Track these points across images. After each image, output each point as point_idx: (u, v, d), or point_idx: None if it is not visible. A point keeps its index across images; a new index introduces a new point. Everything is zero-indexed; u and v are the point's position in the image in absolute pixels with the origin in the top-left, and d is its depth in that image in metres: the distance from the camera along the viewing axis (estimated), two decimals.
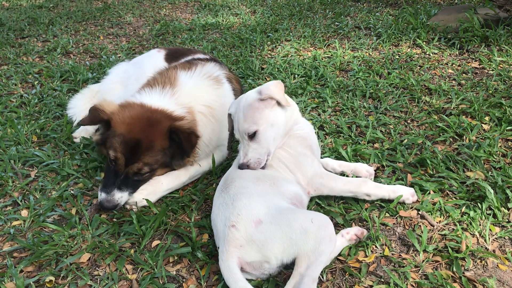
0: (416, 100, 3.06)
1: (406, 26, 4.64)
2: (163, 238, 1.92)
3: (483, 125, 2.65)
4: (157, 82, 2.28)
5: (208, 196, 2.16)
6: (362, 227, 1.87)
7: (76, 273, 1.72)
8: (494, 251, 1.74)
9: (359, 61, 3.85)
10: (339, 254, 1.73)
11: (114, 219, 2.03)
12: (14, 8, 7.05)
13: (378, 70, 3.57)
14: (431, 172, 2.22)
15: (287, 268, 1.60)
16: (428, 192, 2.08)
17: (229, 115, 2.07)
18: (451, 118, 2.72)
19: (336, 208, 2.00)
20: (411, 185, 2.11)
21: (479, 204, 1.96)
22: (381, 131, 2.69)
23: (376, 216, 1.93)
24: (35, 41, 5.03)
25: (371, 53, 4.05)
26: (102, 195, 1.99)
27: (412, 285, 1.60)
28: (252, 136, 1.89)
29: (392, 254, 1.75)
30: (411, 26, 4.59)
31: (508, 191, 1.99)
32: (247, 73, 3.68)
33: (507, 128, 2.56)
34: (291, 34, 4.83)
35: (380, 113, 2.89)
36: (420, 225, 1.88)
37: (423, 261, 1.70)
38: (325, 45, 4.38)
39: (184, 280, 1.69)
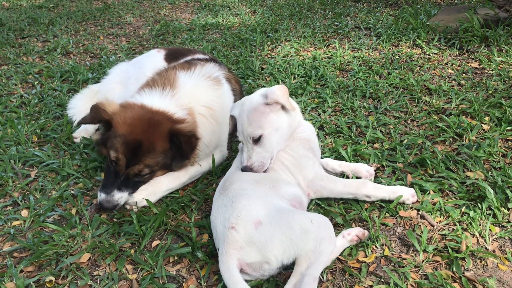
0: (416, 100, 3.06)
1: (406, 26, 4.65)
2: (163, 238, 1.92)
3: (483, 125, 2.65)
4: (156, 82, 2.28)
5: (208, 196, 2.16)
6: (362, 227, 1.88)
7: (76, 273, 1.72)
8: (494, 251, 1.74)
9: (359, 61, 3.85)
10: (340, 254, 1.73)
11: (114, 219, 2.03)
12: (14, 8, 7.05)
13: (378, 70, 3.57)
14: (431, 172, 2.22)
15: (287, 269, 1.60)
16: (428, 192, 2.08)
17: (231, 116, 2.06)
18: (451, 118, 2.72)
19: (336, 208, 2.00)
20: (411, 185, 2.11)
21: (479, 204, 1.96)
22: (381, 131, 2.69)
23: (376, 216, 1.93)
24: (35, 41, 5.03)
25: (371, 53, 4.06)
26: (101, 196, 1.99)
27: (412, 285, 1.60)
28: (257, 140, 1.89)
29: (392, 254, 1.75)
30: (411, 26, 4.59)
31: (508, 191, 1.99)
32: (247, 73, 3.68)
33: (507, 128, 2.56)
34: (291, 34, 4.83)
35: (380, 113, 2.89)
36: (420, 225, 1.88)
37: (423, 261, 1.70)
38: (325, 45, 4.38)
39: (184, 280, 1.69)
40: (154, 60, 2.92)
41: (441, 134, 2.59)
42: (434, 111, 2.88)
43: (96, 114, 2.05)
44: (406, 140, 2.52)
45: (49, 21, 5.89)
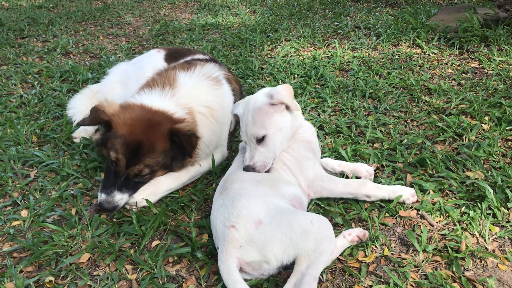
0: (416, 100, 3.06)
1: (406, 26, 4.64)
2: (163, 238, 1.92)
3: (482, 125, 2.65)
4: (156, 83, 2.28)
5: (208, 196, 2.16)
6: (362, 227, 1.88)
7: (76, 273, 1.72)
8: (493, 251, 1.74)
9: (359, 61, 3.85)
10: (340, 254, 1.73)
11: (114, 219, 2.03)
12: (14, 8, 7.05)
13: (377, 70, 3.57)
14: (431, 172, 2.22)
15: (286, 269, 1.60)
16: (427, 192, 2.08)
17: (234, 115, 2.06)
18: (450, 118, 2.72)
19: (336, 208, 2.00)
20: (411, 185, 2.11)
21: (478, 204, 1.96)
22: (380, 131, 2.69)
23: (376, 216, 1.93)
24: (35, 41, 5.03)
25: (370, 53, 4.06)
26: (102, 196, 1.99)
27: (411, 285, 1.60)
28: (260, 140, 1.89)
29: (392, 254, 1.75)
30: (410, 26, 4.59)
31: (507, 191, 1.99)
32: (247, 73, 3.68)
33: (507, 128, 2.56)
34: (290, 34, 4.83)
35: (379, 113, 2.89)
36: (419, 225, 1.88)
37: (423, 261, 1.70)
38: (324, 45, 4.38)
39: (184, 280, 1.69)
40: (154, 60, 2.91)
41: (441, 134, 2.59)
42: (434, 111, 2.88)
43: (96, 116, 2.05)
44: (406, 140, 2.52)
45: (49, 21, 5.89)
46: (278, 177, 1.90)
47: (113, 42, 5.00)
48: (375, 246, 1.78)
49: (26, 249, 1.87)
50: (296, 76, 3.59)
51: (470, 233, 1.83)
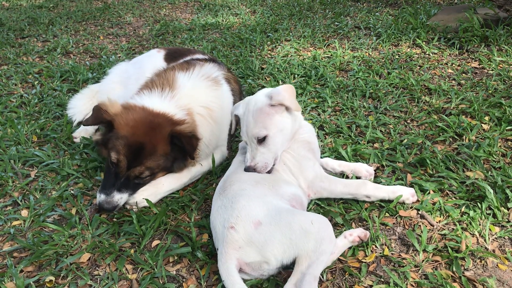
0: (416, 100, 3.06)
1: (406, 26, 4.65)
2: (163, 238, 1.92)
3: (482, 125, 2.65)
4: (155, 84, 2.28)
5: (208, 196, 2.17)
6: (362, 227, 1.88)
7: (76, 273, 1.72)
8: (494, 251, 1.74)
9: (359, 61, 3.85)
10: (340, 255, 1.73)
11: (114, 219, 2.03)
12: (14, 8, 7.05)
13: (378, 70, 3.57)
14: (431, 172, 2.22)
15: (287, 269, 1.60)
16: (428, 192, 2.08)
17: (235, 115, 2.06)
18: (450, 118, 2.72)
19: (336, 208, 2.00)
20: (411, 185, 2.11)
21: (478, 204, 1.96)
22: (381, 131, 2.69)
23: (376, 216, 1.93)
24: (35, 41, 5.03)
25: (371, 53, 4.06)
26: (101, 197, 1.98)
27: (412, 285, 1.60)
28: (261, 140, 1.89)
29: (392, 254, 1.75)
30: (410, 26, 4.59)
31: (507, 191, 1.99)
32: (247, 73, 3.68)
33: (507, 128, 2.56)
34: (291, 34, 4.83)
35: (380, 113, 2.89)
36: (420, 225, 1.88)
37: (423, 260, 1.70)
38: (325, 45, 4.38)
39: (184, 280, 1.69)
40: (154, 60, 2.91)
41: (441, 133, 2.59)
42: (434, 111, 2.88)
43: (98, 115, 2.04)
44: (406, 140, 2.52)
45: (49, 21, 5.89)
46: (277, 177, 1.90)
47: (113, 42, 5.01)
48: (375, 246, 1.79)
49: (26, 248, 1.87)
50: (296, 76, 3.59)
51: (470, 233, 1.83)
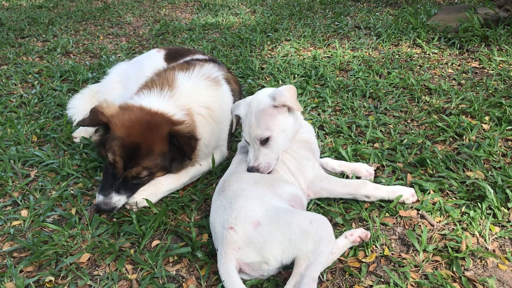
0: (416, 99, 3.06)
1: (406, 26, 4.64)
2: (163, 238, 1.92)
3: (483, 124, 2.64)
4: (155, 84, 2.27)
5: (208, 196, 2.16)
6: (362, 227, 1.88)
7: (76, 273, 1.72)
8: (494, 251, 1.74)
9: (359, 60, 3.85)
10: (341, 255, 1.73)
11: (114, 219, 2.03)
12: (14, 8, 7.05)
13: (378, 69, 3.57)
14: (431, 172, 2.22)
15: (287, 269, 1.60)
16: (428, 192, 2.07)
17: (236, 115, 2.05)
18: (451, 118, 2.72)
19: (336, 208, 2.00)
20: (411, 185, 2.11)
21: (479, 204, 1.96)
22: (381, 130, 2.69)
23: (376, 216, 1.93)
24: (35, 41, 5.03)
25: (371, 53, 4.05)
26: (99, 198, 1.98)
27: (412, 285, 1.60)
28: (264, 141, 1.89)
29: (392, 254, 1.75)
30: (411, 25, 4.59)
31: (508, 190, 1.99)
32: (247, 73, 3.68)
33: (507, 128, 2.56)
34: (291, 33, 4.83)
35: (380, 113, 2.89)
36: (420, 225, 1.88)
37: (423, 261, 1.70)
38: (325, 44, 4.37)
39: (184, 280, 1.69)
40: (154, 60, 2.91)
41: (441, 133, 2.58)
42: (434, 111, 2.88)
43: (94, 117, 2.04)
44: (406, 140, 2.52)
45: (49, 21, 5.89)
46: (276, 177, 1.90)
47: (113, 41, 5.00)
48: (376, 246, 1.78)
49: (26, 249, 1.87)
50: (296, 76, 3.59)
51: (471, 233, 1.83)
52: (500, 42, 3.91)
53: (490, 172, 2.19)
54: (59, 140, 2.71)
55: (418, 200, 2.02)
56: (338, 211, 1.98)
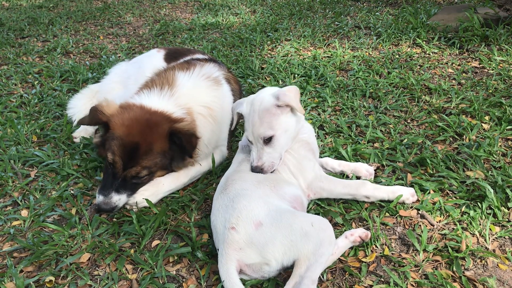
0: (416, 99, 3.06)
1: (406, 26, 4.64)
2: (163, 238, 1.92)
3: (483, 124, 2.64)
4: (155, 83, 2.27)
5: (208, 196, 2.16)
6: (362, 227, 1.88)
7: (76, 273, 1.72)
8: (494, 250, 1.74)
9: (359, 60, 3.85)
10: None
11: (114, 219, 2.03)
12: (14, 8, 7.05)
13: (378, 69, 3.57)
14: (431, 172, 2.22)
15: (287, 269, 1.60)
16: (428, 191, 2.07)
17: (237, 113, 2.05)
18: (451, 118, 2.72)
19: (336, 208, 2.00)
20: (411, 185, 2.11)
21: (479, 203, 1.96)
22: (381, 130, 2.69)
23: (376, 216, 1.93)
24: (35, 41, 5.03)
25: (371, 53, 4.05)
26: (99, 198, 1.98)
27: (412, 285, 1.60)
28: (267, 140, 1.89)
29: (392, 253, 1.75)
30: (411, 25, 4.59)
31: (508, 190, 1.99)
32: (247, 73, 3.68)
33: (507, 128, 2.56)
34: (291, 33, 4.83)
35: (380, 113, 2.89)
36: (420, 225, 1.88)
37: (423, 260, 1.70)
38: (325, 44, 4.37)
39: (184, 280, 1.69)
40: (153, 60, 2.91)
41: (441, 133, 2.58)
42: (434, 111, 2.88)
43: (94, 116, 2.04)
44: (406, 140, 2.52)
45: (49, 21, 5.89)
46: (279, 178, 1.90)
47: (113, 41, 5.00)
48: (376, 246, 1.78)
49: (26, 249, 1.87)
50: (296, 75, 3.58)
51: (471, 233, 1.83)
52: (500, 42, 3.90)
53: (490, 171, 2.19)
54: (59, 140, 2.71)
55: (418, 200, 2.02)
56: (338, 211, 1.98)
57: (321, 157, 2.27)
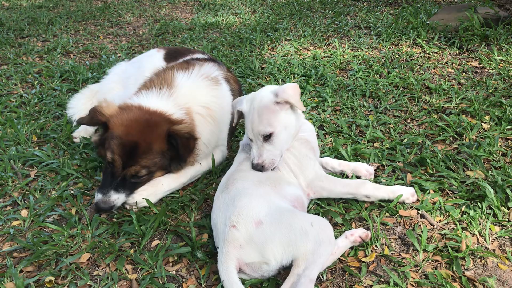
0: (416, 99, 3.06)
1: (406, 25, 4.64)
2: (163, 238, 1.92)
3: (483, 124, 2.64)
4: (154, 83, 2.27)
5: (208, 196, 2.16)
6: (362, 227, 1.88)
7: (76, 273, 1.72)
8: (494, 250, 1.74)
9: (359, 60, 3.85)
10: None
11: (114, 219, 2.03)
12: (14, 8, 7.05)
13: (378, 69, 3.57)
14: (431, 172, 2.22)
15: (286, 269, 1.60)
16: (428, 191, 2.07)
17: (238, 111, 2.05)
18: (451, 117, 2.72)
19: (336, 207, 2.00)
20: (411, 185, 2.11)
21: (479, 203, 1.96)
22: (381, 130, 2.69)
23: (376, 216, 1.93)
24: (35, 41, 5.03)
25: (371, 53, 4.05)
26: (98, 196, 1.98)
27: (412, 285, 1.60)
28: (267, 137, 1.89)
29: (392, 253, 1.75)
30: (411, 25, 4.59)
31: (508, 190, 1.98)
32: (247, 73, 3.68)
33: (507, 127, 2.56)
34: (291, 33, 4.83)
35: (380, 113, 2.89)
36: (420, 225, 1.88)
37: (423, 260, 1.70)
38: (325, 44, 4.37)
39: (184, 280, 1.69)
40: (153, 59, 2.91)
41: (441, 133, 2.58)
42: (434, 110, 2.88)
43: (93, 117, 2.05)
44: (406, 139, 2.52)
45: (49, 20, 5.89)
46: (280, 178, 1.90)
47: (113, 41, 5.00)
48: (375, 246, 1.78)
49: (26, 249, 1.87)
50: (296, 75, 3.58)
51: (471, 233, 1.83)
52: (500, 42, 3.90)
53: (490, 171, 2.19)
54: (59, 140, 2.71)
55: (418, 200, 2.01)
56: (338, 210, 1.98)
57: (321, 157, 2.27)
